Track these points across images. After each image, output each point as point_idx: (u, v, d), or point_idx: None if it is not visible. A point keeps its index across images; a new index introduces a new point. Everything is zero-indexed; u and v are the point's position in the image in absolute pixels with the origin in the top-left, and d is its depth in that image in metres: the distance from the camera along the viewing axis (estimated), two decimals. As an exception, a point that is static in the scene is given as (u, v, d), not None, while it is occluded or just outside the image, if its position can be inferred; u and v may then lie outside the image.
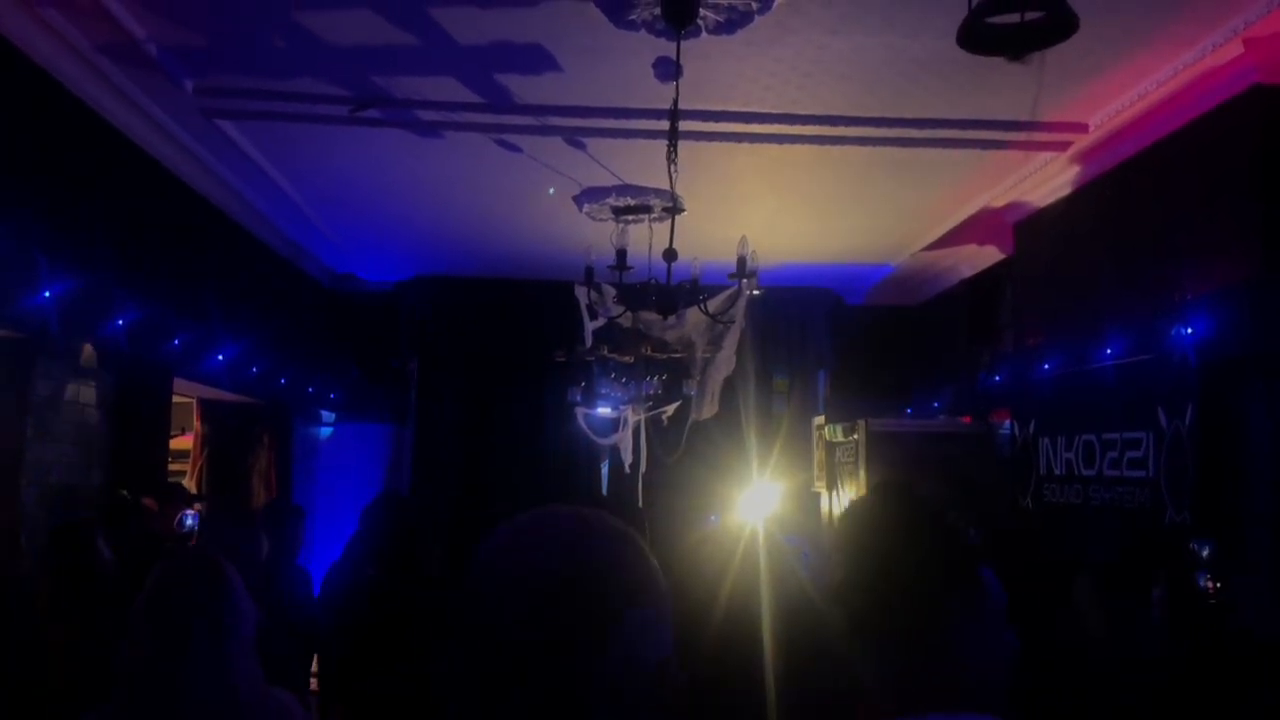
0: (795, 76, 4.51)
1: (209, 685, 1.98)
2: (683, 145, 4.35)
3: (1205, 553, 3.98)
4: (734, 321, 5.01)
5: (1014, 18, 2.56)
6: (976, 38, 2.64)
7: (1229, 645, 3.60)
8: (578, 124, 5.05)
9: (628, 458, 6.99)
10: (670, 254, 4.48)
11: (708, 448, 7.83)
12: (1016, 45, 2.64)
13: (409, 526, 4.43)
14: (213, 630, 2.01)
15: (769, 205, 6.40)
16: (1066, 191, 5.71)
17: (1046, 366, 5.53)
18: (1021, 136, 5.14)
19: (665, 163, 4.23)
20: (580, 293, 5.08)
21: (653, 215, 6.11)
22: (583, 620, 1.01)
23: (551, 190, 5.96)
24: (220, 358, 5.99)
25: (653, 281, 4.63)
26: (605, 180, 5.84)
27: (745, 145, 5.24)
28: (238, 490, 7.31)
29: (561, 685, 1.00)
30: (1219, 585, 3.83)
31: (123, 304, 4.78)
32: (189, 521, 5.43)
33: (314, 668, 4.80)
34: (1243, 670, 3.40)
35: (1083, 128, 5.05)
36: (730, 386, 6.79)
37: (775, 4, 3.81)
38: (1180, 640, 3.64)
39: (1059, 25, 2.56)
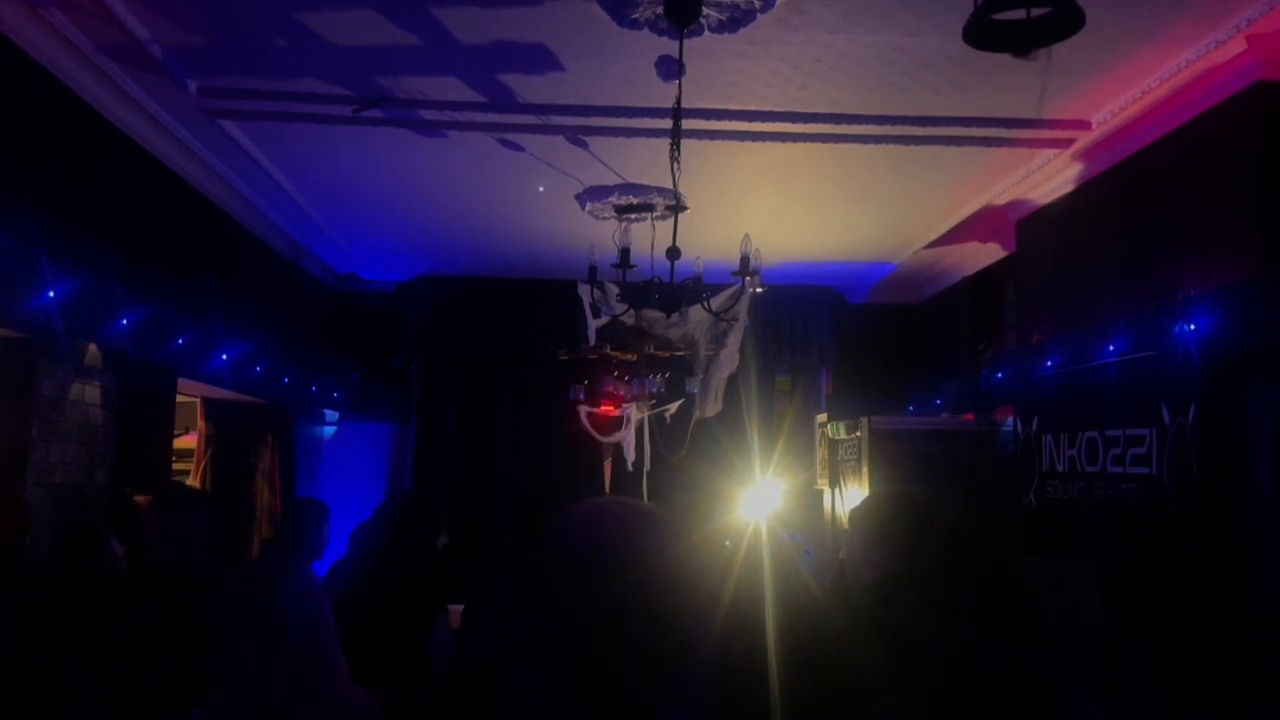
0: (798, 75, 4.51)
1: (295, 685, 2.01)
2: (685, 144, 4.36)
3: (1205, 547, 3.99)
4: (737, 319, 5.01)
5: (1020, 14, 2.57)
6: (983, 34, 2.65)
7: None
8: (580, 123, 5.06)
9: (631, 456, 6.99)
10: (673, 252, 4.49)
11: (711, 446, 7.84)
12: (1022, 42, 2.64)
13: (411, 526, 4.46)
14: (298, 632, 2.05)
15: (771, 203, 6.40)
16: (1069, 189, 5.71)
17: (1049, 364, 5.53)
18: (1024, 134, 5.14)
19: (668, 161, 4.24)
20: (583, 291, 5.09)
21: (656, 214, 6.12)
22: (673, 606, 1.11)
23: (541, 188, 5.95)
24: (224, 357, 6.00)
25: (656, 280, 4.63)
26: (608, 179, 5.85)
27: (748, 144, 5.24)
28: (241, 489, 7.33)
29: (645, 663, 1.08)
30: (1219, 579, 3.84)
31: (127, 304, 4.78)
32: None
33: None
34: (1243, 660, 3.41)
35: (1085, 125, 5.05)
36: (733, 385, 6.79)
37: (777, 2, 3.82)
38: (1182, 633, 3.65)
39: (1065, 21, 2.56)
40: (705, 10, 3.86)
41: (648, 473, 7.36)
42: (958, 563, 1.61)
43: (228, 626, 2.07)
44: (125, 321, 4.77)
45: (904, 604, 2.70)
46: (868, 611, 2.70)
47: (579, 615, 1.10)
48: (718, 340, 5.60)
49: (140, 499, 4.83)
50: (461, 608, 4.57)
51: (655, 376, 6.18)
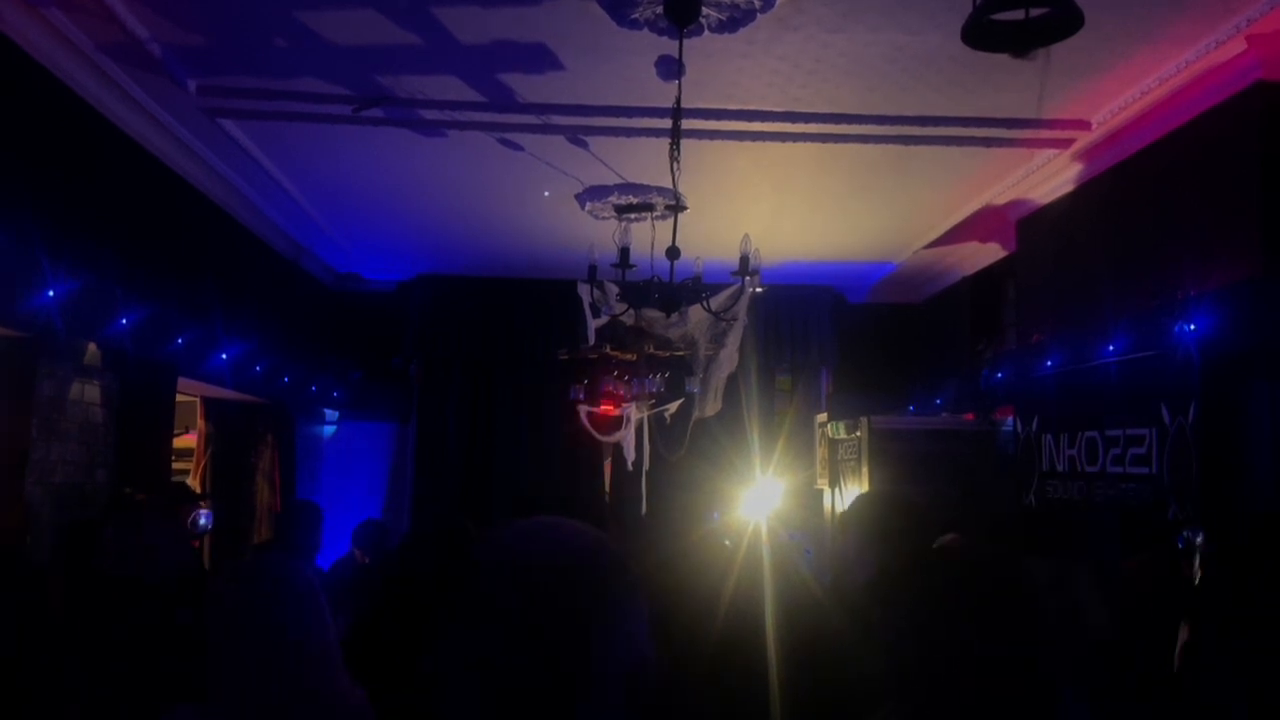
0: (798, 74, 4.51)
1: (295, 686, 2.02)
2: (685, 144, 4.36)
3: (1198, 540, 4.00)
4: (737, 319, 5.01)
5: (1019, 14, 2.57)
6: (981, 34, 2.65)
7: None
8: (580, 122, 5.06)
9: (630, 455, 7.00)
10: (673, 252, 4.49)
11: (711, 445, 7.84)
12: (1021, 42, 2.65)
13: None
14: (297, 633, 2.06)
15: (771, 203, 6.40)
16: (1069, 189, 5.72)
17: (1049, 363, 5.53)
18: (1024, 134, 5.15)
19: (668, 161, 4.24)
20: (583, 290, 5.08)
21: (655, 213, 6.12)
22: (571, 611, 1.10)
23: (546, 193, 5.96)
24: (224, 357, 6.00)
25: (655, 279, 4.63)
26: (608, 179, 5.85)
27: (748, 143, 5.24)
28: (241, 489, 7.33)
29: (552, 669, 1.08)
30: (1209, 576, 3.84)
31: (126, 303, 4.78)
32: (203, 521, 5.45)
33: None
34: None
35: (1085, 125, 5.05)
36: (733, 384, 6.79)
37: (777, 2, 3.82)
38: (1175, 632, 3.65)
39: (1064, 21, 2.56)
40: (705, 10, 3.86)
41: (647, 472, 7.37)
42: (954, 562, 1.61)
43: (227, 626, 2.08)
44: (125, 321, 4.77)
45: (898, 603, 2.70)
46: (862, 611, 2.71)
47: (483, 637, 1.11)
48: (717, 340, 5.60)
49: (142, 498, 4.85)
50: None
51: (655, 376, 6.19)
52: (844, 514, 3.21)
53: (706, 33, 4.04)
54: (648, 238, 5.63)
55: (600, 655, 1.09)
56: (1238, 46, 4.06)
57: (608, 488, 8.76)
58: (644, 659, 1.13)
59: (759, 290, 4.62)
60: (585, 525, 1.23)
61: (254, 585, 2.13)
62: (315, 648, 2.08)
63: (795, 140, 5.20)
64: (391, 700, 2.44)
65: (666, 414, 6.74)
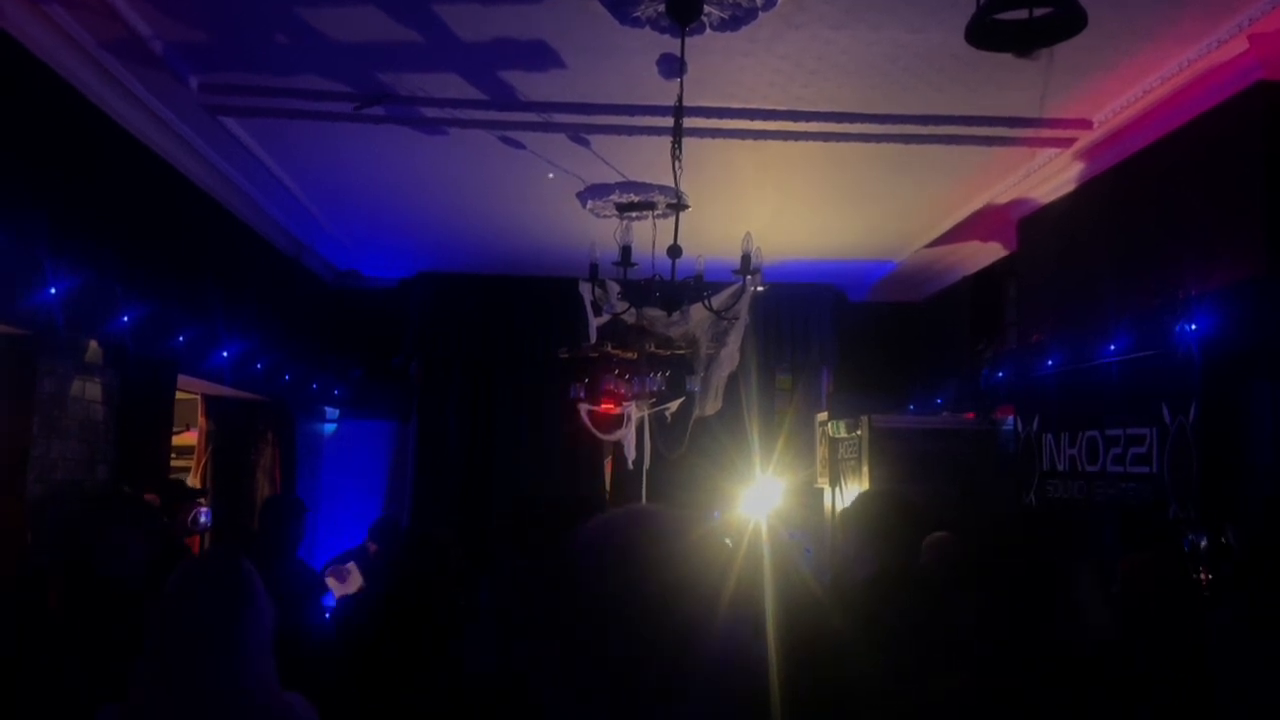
0: (799, 73, 4.51)
1: (222, 686, 2.00)
2: (687, 142, 4.35)
3: (1203, 544, 3.99)
4: (738, 317, 5.01)
5: (1022, 13, 2.56)
6: (985, 34, 2.64)
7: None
8: (582, 121, 5.05)
9: (631, 454, 6.98)
10: (674, 250, 4.48)
11: (711, 444, 7.83)
12: (1025, 41, 2.64)
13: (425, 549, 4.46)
14: (227, 632, 2.03)
15: (773, 202, 6.40)
16: (1070, 188, 5.71)
17: (1050, 363, 5.53)
18: (1025, 133, 5.14)
19: (669, 159, 4.24)
20: (584, 289, 5.08)
21: (657, 212, 6.11)
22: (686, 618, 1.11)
23: (550, 175, 5.93)
24: (224, 354, 6.00)
25: (657, 278, 4.63)
26: (609, 177, 5.84)
27: (749, 142, 5.24)
28: (242, 486, 7.34)
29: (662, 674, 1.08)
30: (1210, 577, 3.84)
31: (127, 301, 4.78)
32: (203, 519, 5.46)
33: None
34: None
35: (1087, 124, 5.05)
36: (733, 383, 6.78)
37: (779, 0, 3.81)
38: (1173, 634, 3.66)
39: (1067, 21, 2.56)
40: (707, 8, 3.86)
41: (648, 471, 7.35)
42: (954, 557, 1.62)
43: (162, 621, 2.06)
44: (126, 318, 4.77)
45: (898, 600, 2.71)
46: (862, 608, 2.71)
47: (603, 622, 1.11)
48: (718, 339, 5.59)
49: (150, 497, 4.84)
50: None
51: (656, 375, 6.17)
52: (843, 512, 3.22)
53: (708, 31, 4.04)
54: (649, 236, 5.62)
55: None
56: (1239, 46, 4.06)
57: (608, 486, 8.75)
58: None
59: (760, 289, 4.61)
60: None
61: (191, 581, 2.11)
62: (251, 647, 2.05)
63: (797, 139, 5.19)
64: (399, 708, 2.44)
65: (667, 413, 6.72)
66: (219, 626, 2.03)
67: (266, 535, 4.99)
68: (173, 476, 6.38)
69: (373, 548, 5.91)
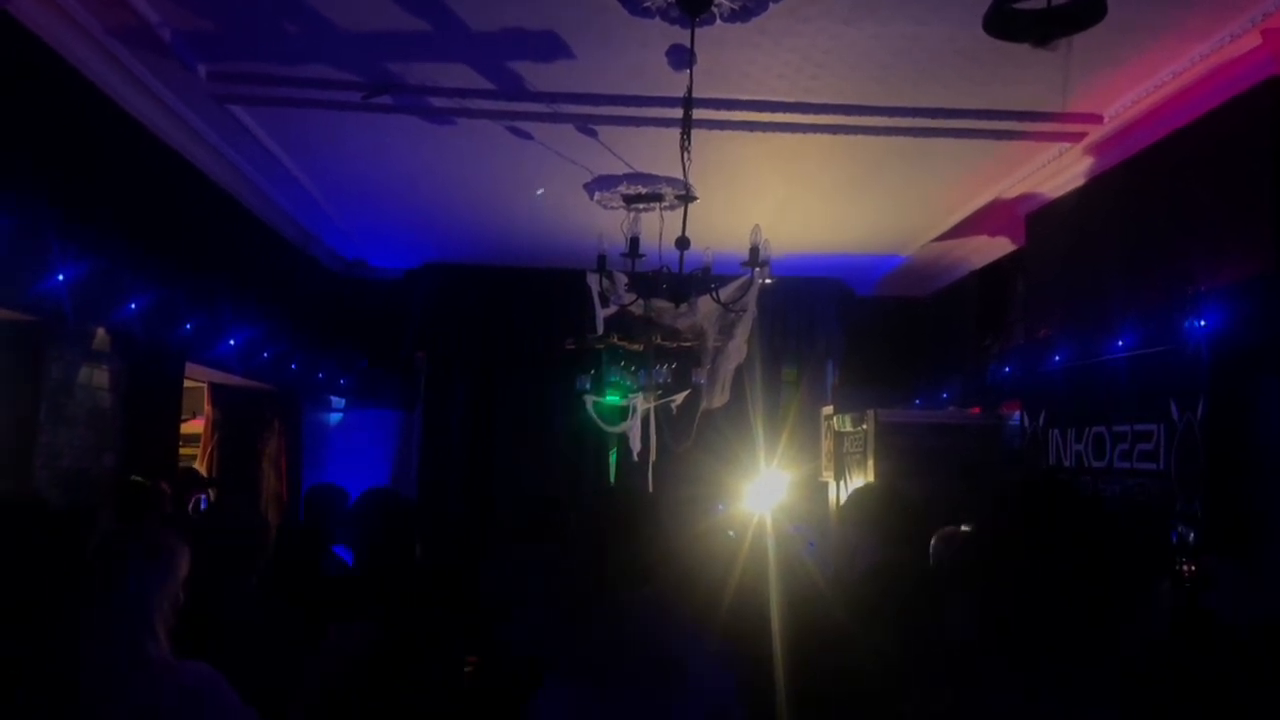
0: (809, 65, 4.50)
1: (100, 658, 2.05)
2: (695, 134, 4.34)
3: (1191, 537, 3.99)
4: (746, 310, 5.00)
5: (1041, 2, 2.54)
6: (1003, 23, 2.62)
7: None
8: (590, 111, 5.04)
9: (636, 446, 6.98)
10: (682, 242, 4.48)
11: (716, 437, 7.83)
12: (1043, 31, 2.61)
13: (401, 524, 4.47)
14: (109, 605, 2.10)
15: (781, 195, 6.38)
16: (1080, 183, 5.69)
17: (1057, 358, 5.52)
18: (1035, 127, 5.12)
19: (678, 151, 4.23)
20: (592, 280, 5.08)
21: (665, 204, 6.10)
22: None
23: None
24: (231, 343, 6.01)
25: (665, 269, 4.63)
26: (617, 168, 5.83)
27: (758, 134, 5.22)
28: (248, 474, 7.35)
29: None
30: (1193, 569, 3.82)
31: (135, 288, 4.79)
32: (204, 507, 5.47)
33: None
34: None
35: (1097, 119, 5.03)
36: (739, 376, 6.77)
37: (790, -8, 3.80)
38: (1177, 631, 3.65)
39: (1087, 9, 2.53)
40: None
41: (653, 463, 7.36)
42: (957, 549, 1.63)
43: (72, 587, 2.15)
44: (134, 305, 4.78)
45: (899, 592, 2.71)
46: (864, 600, 2.72)
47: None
48: (726, 331, 5.59)
49: (164, 485, 4.85)
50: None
51: (662, 367, 6.17)
52: (843, 506, 3.24)
53: (718, 22, 4.03)
54: (657, 228, 5.61)
55: None
56: (1252, 41, 4.03)
57: (613, 479, 8.76)
58: None
59: (769, 282, 4.60)
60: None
61: (100, 550, 2.18)
62: (144, 614, 2.12)
63: (805, 131, 5.18)
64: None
65: (673, 405, 6.72)
66: (108, 592, 2.11)
67: (311, 522, 5.04)
68: (184, 465, 6.41)
69: None
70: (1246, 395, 4.06)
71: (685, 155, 4.21)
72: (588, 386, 6.78)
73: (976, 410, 7.05)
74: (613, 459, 8.73)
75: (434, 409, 8.81)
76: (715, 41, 4.19)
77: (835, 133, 5.19)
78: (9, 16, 3.96)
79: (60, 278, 4.17)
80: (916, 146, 5.38)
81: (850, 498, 3.33)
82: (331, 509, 5.14)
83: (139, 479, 4.75)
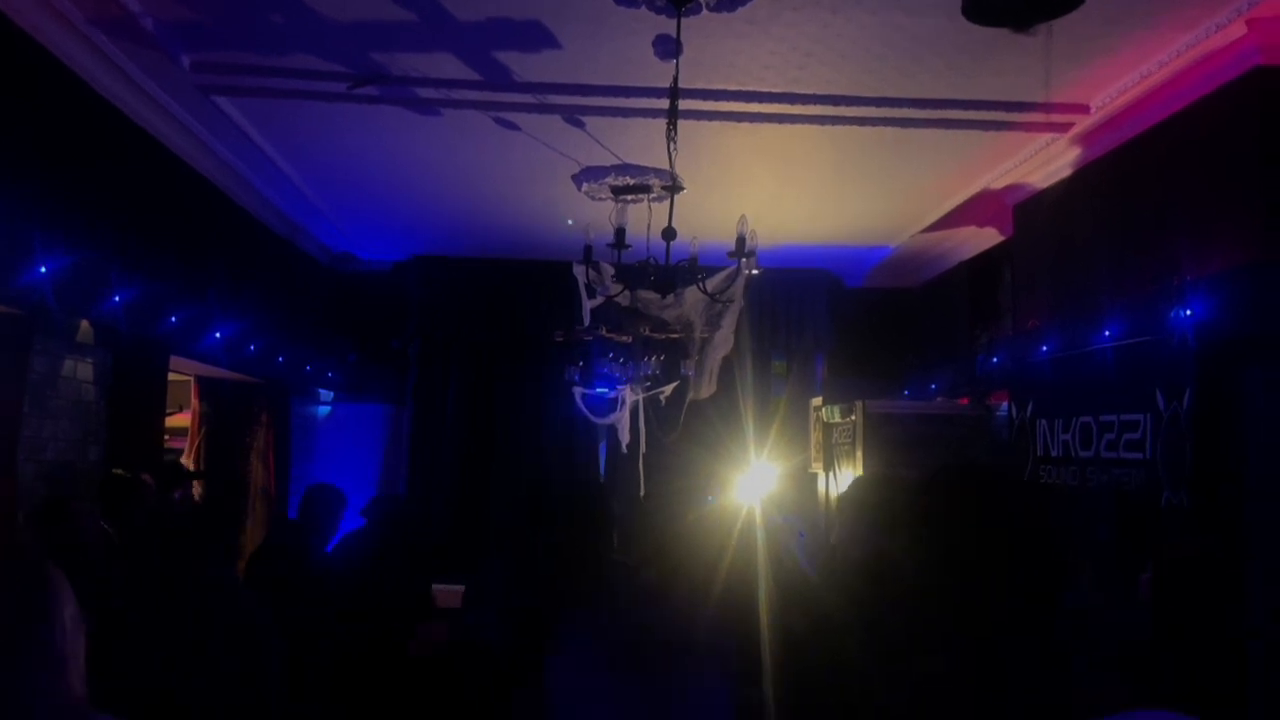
0: (796, 55, 4.49)
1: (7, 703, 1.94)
2: (682, 124, 4.33)
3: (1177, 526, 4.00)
4: (733, 301, 4.99)
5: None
6: (983, 8, 2.62)
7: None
8: (577, 102, 5.03)
9: (625, 438, 6.98)
10: (669, 233, 4.47)
11: (705, 429, 7.83)
12: (1023, 15, 2.61)
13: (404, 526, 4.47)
14: (15, 647, 1.96)
15: (768, 185, 6.38)
16: (1067, 173, 5.70)
17: (1045, 348, 5.53)
18: (1022, 117, 5.12)
19: (665, 142, 4.21)
20: (579, 271, 5.06)
21: (652, 195, 6.06)
22: None
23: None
24: (218, 335, 5.98)
25: (651, 261, 4.61)
26: (604, 159, 5.81)
27: (745, 125, 5.21)
28: (235, 468, 7.32)
29: None
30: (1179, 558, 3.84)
31: (120, 281, 4.76)
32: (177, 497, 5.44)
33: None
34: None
35: (1084, 109, 5.03)
36: (728, 368, 6.77)
37: (776, -19, 3.79)
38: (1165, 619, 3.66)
39: (1067, -5, 2.53)
40: (703, -12, 3.83)
41: (643, 455, 7.36)
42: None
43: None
44: (118, 298, 4.75)
45: (892, 581, 2.71)
46: (854, 590, 2.72)
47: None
48: (713, 322, 5.57)
49: (146, 478, 4.82)
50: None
51: (650, 358, 6.16)
52: (841, 495, 3.24)
53: (705, 11, 4.01)
54: (644, 219, 5.59)
55: None
56: (1238, 30, 4.04)
57: (602, 470, 8.76)
58: None
59: (755, 272, 4.59)
60: None
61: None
62: (42, 662, 1.98)
63: (793, 122, 5.17)
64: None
65: (661, 396, 6.72)
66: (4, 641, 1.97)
67: (316, 522, 5.03)
68: (169, 458, 6.37)
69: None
70: (1233, 384, 4.07)
71: (672, 145, 4.19)
72: (576, 378, 6.77)
73: (965, 401, 7.06)
74: (602, 451, 8.74)
75: (423, 402, 8.79)
76: (702, 31, 4.18)
77: (823, 123, 5.18)
78: (-11, 6, 3.93)
79: (43, 270, 4.14)
80: (905, 137, 5.38)
81: (849, 487, 3.34)
82: (329, 510, 5.12)
83: (120, 472, 4.72)
